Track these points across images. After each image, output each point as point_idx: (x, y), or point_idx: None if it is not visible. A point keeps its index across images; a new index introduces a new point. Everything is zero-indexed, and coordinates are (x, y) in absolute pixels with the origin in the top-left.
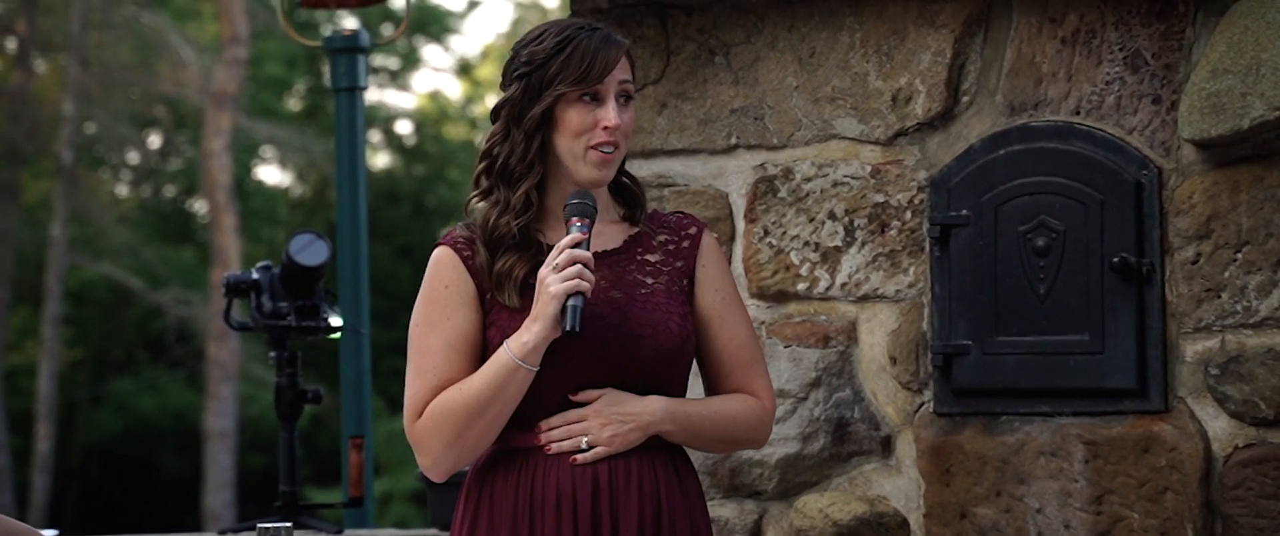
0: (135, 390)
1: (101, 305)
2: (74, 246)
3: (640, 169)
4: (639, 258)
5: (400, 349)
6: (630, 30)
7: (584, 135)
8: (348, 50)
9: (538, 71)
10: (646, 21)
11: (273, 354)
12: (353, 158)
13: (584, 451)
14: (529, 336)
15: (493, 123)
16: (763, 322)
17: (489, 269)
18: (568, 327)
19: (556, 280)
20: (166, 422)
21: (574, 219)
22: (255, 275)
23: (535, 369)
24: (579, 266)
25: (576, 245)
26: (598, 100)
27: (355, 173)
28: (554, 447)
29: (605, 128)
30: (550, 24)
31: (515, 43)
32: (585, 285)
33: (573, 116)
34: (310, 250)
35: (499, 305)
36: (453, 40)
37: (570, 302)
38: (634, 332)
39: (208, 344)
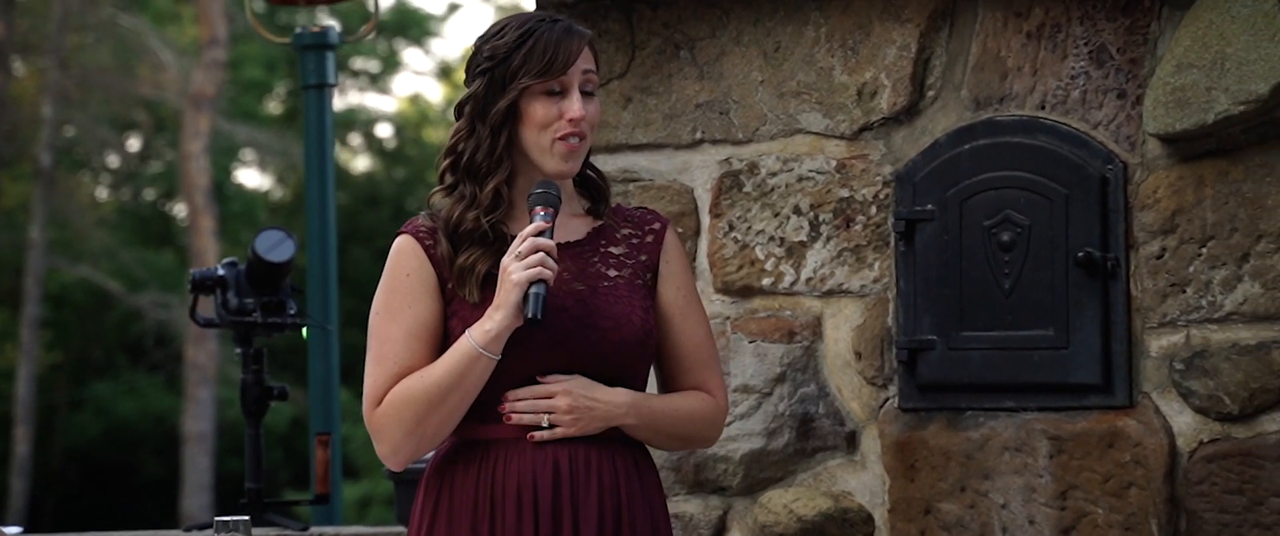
0: (114, 393)
1: (80, 308)
2: (53, 249)
3: (605, 164)
4: (602, 250)
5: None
6: (595, 24)
7: (549, 128)
8: (317, 47)
9: (500, 66)
10: (611, 16)
11: (238, 350)
12: (322, 154)
13: (544, 429)
14: (491, 324)
15: (456, 119)
16: (728, 318)
17: (450, 262)
18: (530, 315)
19: (519, 268)
20: (146, 425)
21: (538, 208)
22: (221, 272)
23: (496, 357)
24: (542, 254)
25: (539, 233)
26: (562, 92)
27: (324, 168)
28: (515, 418)
29: (570, 119)
30: (511, 18)
31: (477, 38)
32: (547, 273)
33: (537, 109)
34: (276, 247)
35: (460, 296)
36: (433, 43)
37: (532, 290)
38: (596, 324)
39: (186, 346)
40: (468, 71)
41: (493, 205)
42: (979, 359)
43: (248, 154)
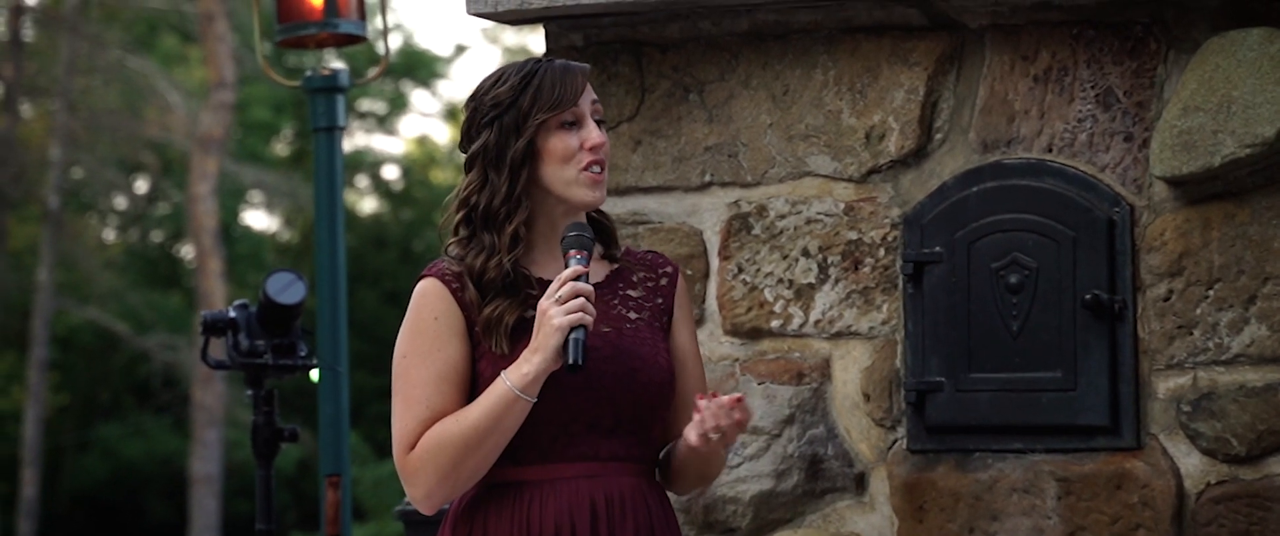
0: (121, 435)
1: (88, 350)
2: (60, 291)
3: (614, 206)
4: (621, 292)
5: (387, 393)
6: (605, 67)
7: (572, 160)
8: (327, 90)
9: (509, 110)
10: (621, 59)
11: (249, 392)
12: (331, 196)
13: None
14: (529, 368)
15: (466, 173)
16: (737, 359)
17: (478, 307)
18: (571, 361)
19: (560, 313)
20: (152, 468)
21: (573, 251)
22: (232, 314)
23: (533, 400)
24: (582, 299)
25: (577, 278)
26: (577, 123)
27: (334, 211)
28: (713, 437)
29: (591, 147)
30: (505, 67)
31: (473, 93)
32: (588, 318)
33: (556, 144)
34: (287, 289)
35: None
36: (439, 85)
37: (572, 335)
38: (627, 365)
39: (194, 388)
40: (471, 126)
41: (512, 246)
42: (987, 400)
43: (255, 196)
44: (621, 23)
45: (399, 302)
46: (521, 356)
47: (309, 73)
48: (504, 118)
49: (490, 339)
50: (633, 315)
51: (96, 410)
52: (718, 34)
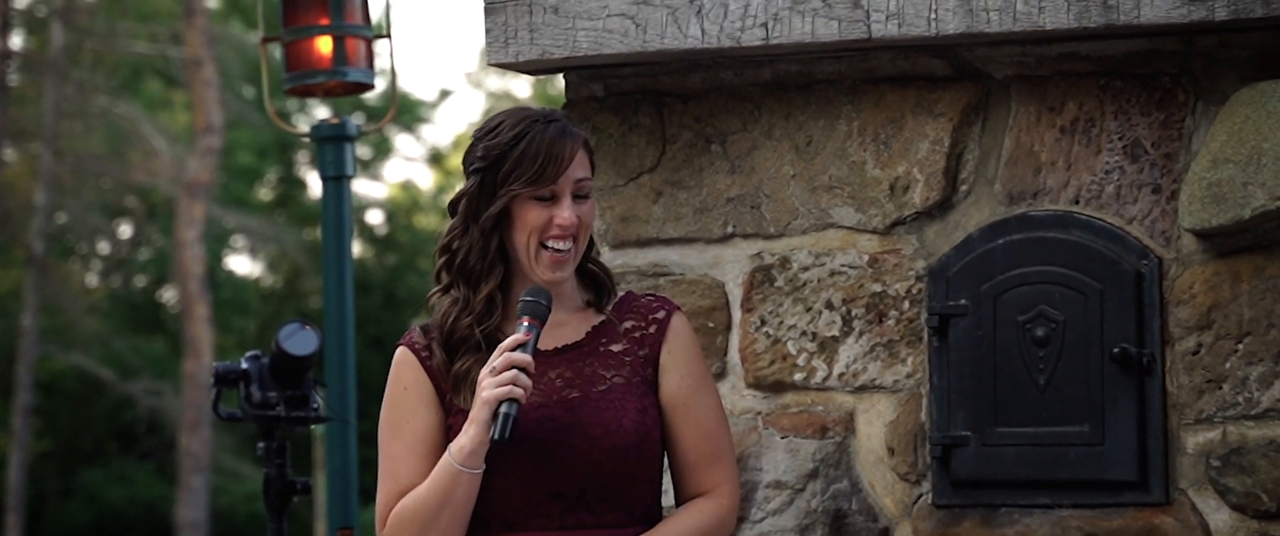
0: (105, 481)
1: (71, 395)
2: (44, 336)
3: (636, 258)
4: (601, 350)
5: (372, 439)
6: (626, 118)
7: (537, 232)
8: (335, 139)
9: (492, 169)
10: (643, 109)
11: (261, 444)
12: (339, 246)
13: None
14: (465, 440)
15: (451, 216)
16: (759, 413)
17: (446, 370)
18: (495, 436)
19: (491, 385)
20: (136, 514)
21: (523, 319)
22: (244, 365)
23: (478, 471)
24: (515, 371)
25: (519, 346)
26: (553, 199)
27: (342, 261)
28: None
29: (558, 224)
30: (507, 114)
31: (475, 130)
32: (519, 392)
33: (528, 215)
34: (299, 339)
35: (458, 404)
36: (424, 129)
37: (502, 409)
38: (586, 433)
39: (180, 434)
40: (464, 165)
41: (485, 312)
42: (1013, 455)
43: (239, 241)
44: (643, 73)
45: (383, 347)
46: (461, 429)
47: (319, 122)
48: (486, 174)
49: (458, 395)
50: (608, 375)
51: (80, 456)
52: (740, 84)
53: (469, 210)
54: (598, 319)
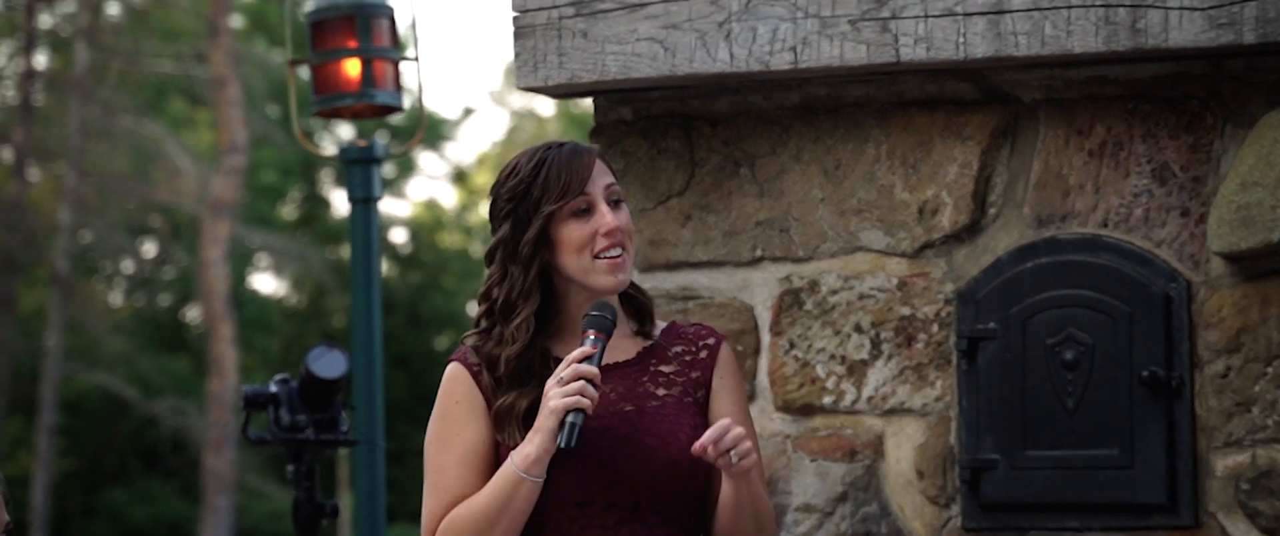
0: (129, 500)
1: (96, 415)
2: (69, 356)
3: (665, 281)
4: (651, 369)
5: (395, 459)
6: (655, 142)
7: (587, 247)
8: (363, 161)
9: (522, 201)
10: (671, 133)
11: (290, 467)
12: (368, 268)
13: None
14: (530, 448)
15: (488, 267)
16: (788, 436)
17: (494, 399)
18: (561, 444)
19: (558, 395)
20: (160, 533)
21: (589, 331)
22: (273, 388)
23: (540, 480)
24: (582, 382)
25: (586, 359)
26: (589, 209)
27: (370, 284)
28: (711, 454)
29: (604, 233)
30: (519, 155)
31: (493, 185)
32: (586, 402)
33: (570, 233)
34: (328, 362)
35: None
36: (448, 148)
37: (568, 418)
38: (643, 443)
39: (205, 453)
40: (491, 220)
41: (524, 335)
42: (1042, 478)
43: (262, 259)
44: (671, 97)
45: (407, 366)
46: (526, 437)
47: (346, 144)
48: (517, 210)
49: (502, 432)
50: (660, 392)
51: (104, 475)
52: (768, 108)
53: (506, 254)
54: (647, 342)
